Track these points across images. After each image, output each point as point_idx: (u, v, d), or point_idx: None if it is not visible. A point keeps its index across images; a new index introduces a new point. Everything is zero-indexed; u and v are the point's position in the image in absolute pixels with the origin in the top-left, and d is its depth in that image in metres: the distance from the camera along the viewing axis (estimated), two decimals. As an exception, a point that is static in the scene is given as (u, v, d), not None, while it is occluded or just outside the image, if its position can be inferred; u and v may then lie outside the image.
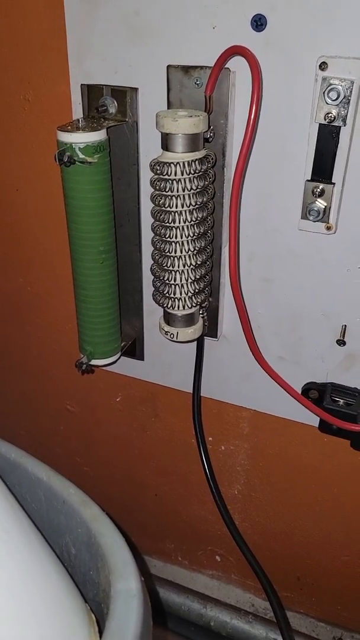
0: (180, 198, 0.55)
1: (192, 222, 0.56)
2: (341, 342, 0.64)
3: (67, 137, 0.56)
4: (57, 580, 0.39)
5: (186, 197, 0.55)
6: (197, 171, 0.54)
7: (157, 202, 0.56)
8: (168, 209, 0.56)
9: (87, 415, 0.92)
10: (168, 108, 0.58)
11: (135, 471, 0.93)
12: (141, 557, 1.02)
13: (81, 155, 0.57)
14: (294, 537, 0.85)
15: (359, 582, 0.84)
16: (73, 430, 0.95)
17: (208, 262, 0.61)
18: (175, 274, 0.59)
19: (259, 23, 0.52)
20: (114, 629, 0.35)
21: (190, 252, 0.58)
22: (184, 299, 0.60)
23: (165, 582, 0.95)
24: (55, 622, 0.37)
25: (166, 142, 0.54)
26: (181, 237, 0.57)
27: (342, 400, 0.65)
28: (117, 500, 0.98)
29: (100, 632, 0.40)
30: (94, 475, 0.98)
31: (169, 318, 0.63)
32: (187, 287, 0.60)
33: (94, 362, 0.70)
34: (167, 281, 0.59)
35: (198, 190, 0.55)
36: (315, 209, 0.56)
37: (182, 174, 0.54)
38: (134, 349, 0.76)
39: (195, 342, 0.70)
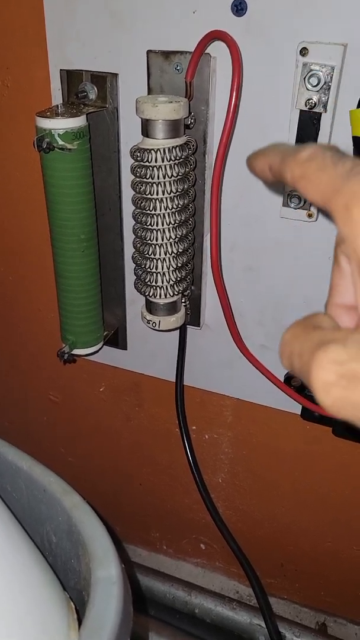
0: (160, 185, 0.54)
1: (173, 210, 0.56)
2: (323, 330, 0.64)
3: (46, 123, 0.56)
4: (35, 569, 0.39)
5: (167, 184, 0.55)
6: (177, 158, 0.54)
7: (137, 190, 0.56)
8: (149, 196, 0.55)
9: (71, 405, 0.92)
10: (148, 94, 0.57)
11: (120, 461, 0.93)
12: (122, 545, 1.02)
13: (60, 142, 0.56)
14: (278, 524, 0.86)
15: (341, 567, 0.85)
16: (57, 420, 0.95)
17: (190, 250, 0.61)
18: (157, 262, 0.58)
19: (239, 8, 0.52)
20: (93, 616, 0.35)
21: (171, 240, 0.57)
22: (166, 287, 0.60)
23: (151, 571, 0.95)
24: (32, 612, 0.36)
25: (146, 128, 0.53)
26: (162, 225, 0.56)
27: (324, 388, 0.65)
28: (101, 490, 0.98)
29: (81, 620, 0.40)
30: (79, 466, 0.98)
31: (151, 306, 0.62)
32: (169, 275, 0.59)
33: (76, 351, 0.69)
34: (149, 269, 0.59)
35: (179, 177, 0.55)
36: (297, 196, 0.56)
37: (163, 161, 0.53)
38: (117, 339, 0.75)
39: (178, 331, 0.70)
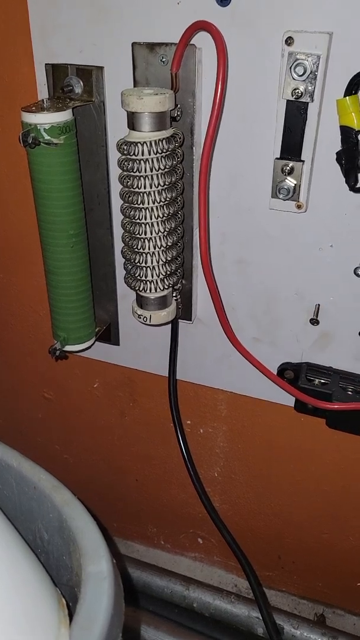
0: (148, 178, 0.54)
1: (162, 203, 0.56)
2: (315, 322, 0.64)
3: (31, 118, 0.55)
4: (26, 566, 0.39)
5: (154, 177, 0.54)
6: (164, 150, 0.53)
7: (125, 183, 0.55)
8: (136, 189, 0.55)
9: (65, 402, 0.91)
10: (134, 87, 0.57)
11: (116, 457, 0.93)
12: (113, 540, 1.02)
13: (46, 137, 0.56)
14: (274, 517, 0.86)
15: (338, 559, 0.85)
16: (51, 418, 0.94)
17: (179, 244, 0.61)
18: (146, 256, 0.58)
19: (223, -3, 0.51)
20: (84, 611, 0.35)
21: (160, 234, 0.57)
22: (156, 281, 0.60)
23: (148, 566, 0.95)
24: (22, 609, 0.36)
25: (132, 121, 0.53)
26: (151, 219, 0.56)
27: (317, 380, 0.65)
28: (97, 486, 0.98)
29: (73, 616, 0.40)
30: (74, 463, 0.98)
31: (141, 301, 0.62)
32: (159, 269, 0.59)
33: (68, 347, 0.69)
34: (138, 264, 0.59)
35: (166, 170, 0.54)
36: (285, 187, 0.56)
37: (150, 154, 0.53)
38: (109, 334, 0.75)
39: (169, 325, 0.70)
